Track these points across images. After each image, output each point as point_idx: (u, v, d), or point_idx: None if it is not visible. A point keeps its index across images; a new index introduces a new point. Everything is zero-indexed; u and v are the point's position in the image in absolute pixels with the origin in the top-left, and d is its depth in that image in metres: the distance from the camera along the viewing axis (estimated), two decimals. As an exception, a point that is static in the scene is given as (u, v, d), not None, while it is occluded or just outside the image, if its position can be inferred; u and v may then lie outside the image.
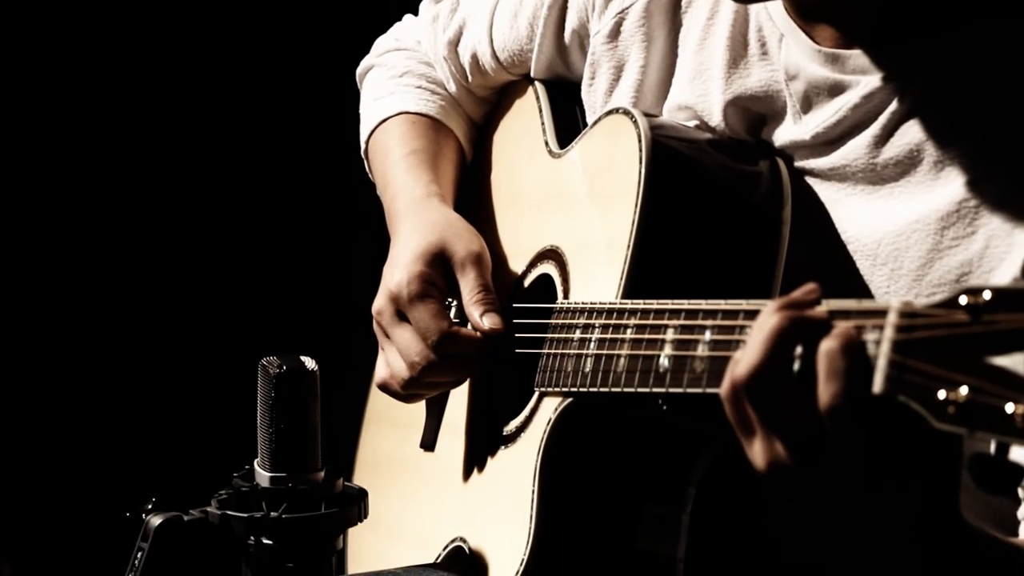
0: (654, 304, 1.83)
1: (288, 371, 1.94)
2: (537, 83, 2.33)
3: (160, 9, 3.66)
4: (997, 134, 1.85)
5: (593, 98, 2.20)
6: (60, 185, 3.67)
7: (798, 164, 1.99)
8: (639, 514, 1.97)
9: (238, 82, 3.72)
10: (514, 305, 2.18)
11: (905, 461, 1.50)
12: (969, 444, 1.44)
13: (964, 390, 1.39)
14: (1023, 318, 1.37)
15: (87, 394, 3.69)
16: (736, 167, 1.99)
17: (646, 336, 1.83)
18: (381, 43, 2.56)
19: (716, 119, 2.05)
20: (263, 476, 1.96)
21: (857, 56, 1.92)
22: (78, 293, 3.69)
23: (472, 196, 2.38)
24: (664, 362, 1.78)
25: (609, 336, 1.90)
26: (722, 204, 1.97)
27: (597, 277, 1.99)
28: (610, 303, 1.92)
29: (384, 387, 2.20)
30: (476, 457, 2.19)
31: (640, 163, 1.95)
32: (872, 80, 1.91)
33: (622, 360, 1.86)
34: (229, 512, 1.94)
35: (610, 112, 2.07)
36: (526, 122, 2.32)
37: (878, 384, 1.46)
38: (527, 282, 2.20)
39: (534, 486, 1.96)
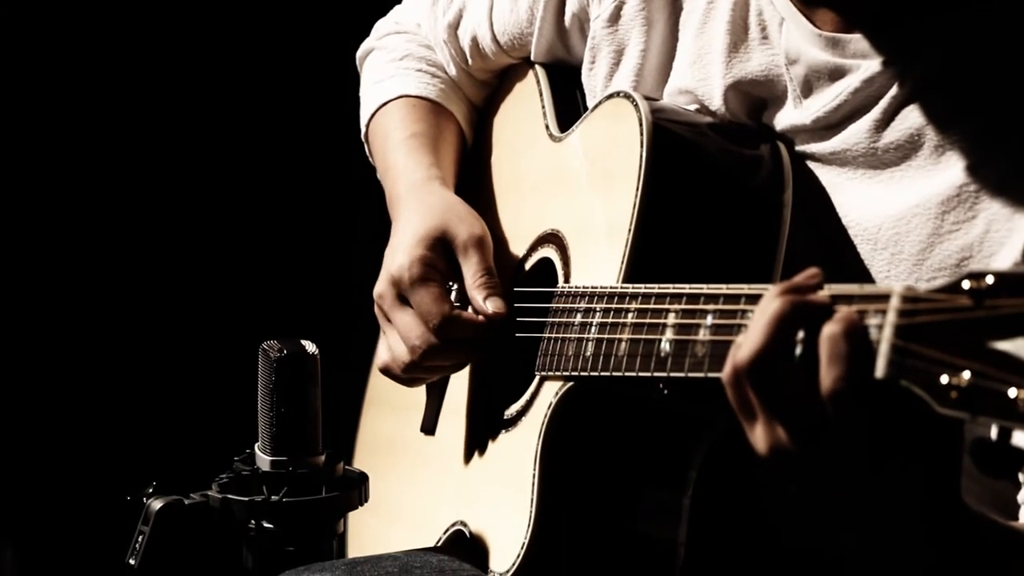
0: (655, 288, 1.83)
1: (288, 355, 1.95)
2: (537, 67, 2.32)
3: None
4: (998, 118, 1.85)
5: (593, 82, 2.20)
6: (62, 170, 3.67)
7: (799, 148, 1.99)
8: (640, 498, 1.97)
9: (239, 66, 3.71)
10: (515, 289, 2.17)
11: (907, 446, 1.50)
12: (970, 428, 1.44)
13: (967, 375, 1.39)
14: (1025, 303, 1.38)
15: (88, 378, 3.69)
16: (737, 151, 1.99)
17: (647, 320, 1.82)
18: (381, 26, 2.55)
19: (716, 103, 2.05)
20: (264, 460, 1.96)
21: (857, 40, 1.91)
22: (80, 279, 3.69)
23: (472, 180, 2.38)
24: (665, 346, 1.78)
25: (610, 320, 1.90)
26: (723, 188, 1.97)
27: (598, 261, 1.99)
28: (611, 287, 1.92)
29: (386, 371, 2.20)
30: (477, 441, 2.19)
31: (641, 147, 1.95)
32: (872, 64, 1.91)
33: (623, 344, 1.86)
34: (230, 496, 1.95)
35: (611, 96, 2.07)
36: (526, 106, 2.31)
37: (880, 369, 1.46)
38: (528, 266, 2.20)
39: (535, 470, 1.96)
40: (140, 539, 1.95)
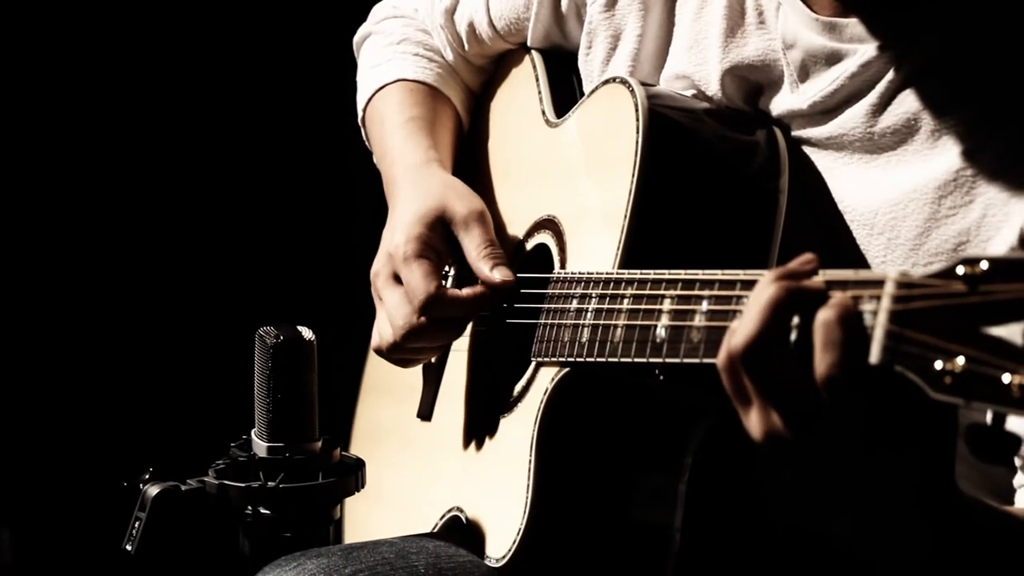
0: (651, 274, 1.83)
1: (285, 341, 1.95)
2: (534, 52, 2.32)
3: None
4: (995, 103, 1.85)
5: (590, 67, 2.19)
6: (54, 158, 3.66)
7: (795, 133, 1.99)
8: (636, 484, 1.97)
9: (235, 51, 3.70)
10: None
11: (901, 431, 1.50)
12: (965, 414, 1.44)
13: (961, 360, 1.39)
14: (1020, 288, 1.37)
15: (86, 364, 3.69)
16: (733, 136, 1.99)
17: (643, 306, 1.82)
18: (378, 10, 2.55)
19: (713, 88, 2.05)
20: (260, 446, 1.96)
21: (855, 25, 1.91)
22: (76, 267, 3.69)
23: (469, 166, 2.37)
24: (661, 332, 1.78)
25: (606, 306, 1.90)
26: (719, 174, 1.97)
27: (594, 247, 1.99)
28: (607, 273, 1.92)
29: (378, 351, 2.20)
30: (473, 427, 2.19)
31: (637, 132, 1.95)
32: (869, 49, 1.90)
33: (619, 330, 1.86)
34: (227, 482, 1.95)
35: (607, 81, 2.07)
36: (523, 91, 2.31)
37: (875, 355, 1.46)
38: (524, 252, 2.19)
39: (531, 456, 1.96)
40: (137, 525, 1.95)
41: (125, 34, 3.65)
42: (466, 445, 2.20)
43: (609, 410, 1.96)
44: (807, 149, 1.98)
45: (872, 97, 1.91)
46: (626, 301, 1.86)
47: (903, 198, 1.89)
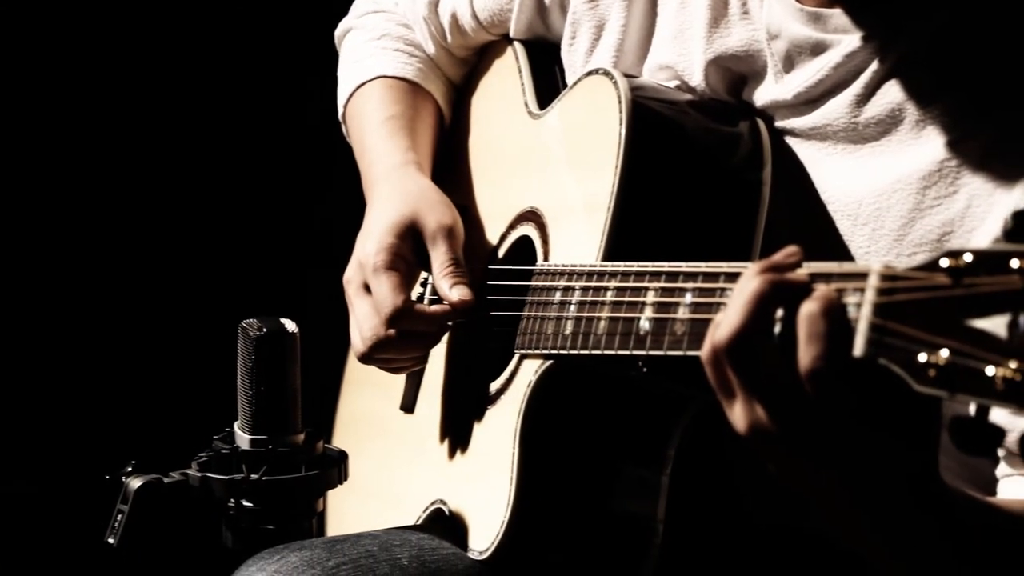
0: (634, 266, 1.83)
1: (268, 334, 1.94)
2: (516, 43, 2.31)
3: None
4: (980, 94, 1.85)
5: (573, 58, 2.19)
6: (37, 153, 3.65)
7: (779, 124, 1.99)
8: (619, 476, 1.97)
9: (216, 47, 3.69)
10: (493, 267, 2.17)
11: (885, 424, 1.50)
12: (949, 406, 1.44)
13: (945, 353, 1.39)
14: (1003, 280, 1.37)
15: (67, 357, 3.68)
16: (716, 128, 1.99)
17: (626, 299, 1.82)
18: (360, 5, 2.54)
19: (697, 79, 2.04)
20: (243, 438, 1.96)
21: (839, 15, 1.91)
22: (59, 260, 3.67)
23: (451, 158, 2.37)
24: (644, 324, 1.78)
25: (589, 298, 1.89)
26: (702, 165, 1.96)
27: (577, 239, 1.99)
28: (590, 265, 1.92)
29: (355, 355, 2.20)
30: (457, 419, 2.18)
31: (620, 124, 1.95)
32: (854, 39, 1.90)
33: (602, 322, 1.86)
34: (209, 475, 1.94)
35: (590, 73, 2.06)
36: (505, 83, 2.31)
37: (859, 347, 1.46)
38: (507, 244, 2.19)
39: (515, 448, 1.96)
40: (119, 517, 1.95)
41: (105, 27, 3.64)
42: (449, 437, 2.19)
43: (593, 402, 1.96)
44: (791, 140, 1.98)
45: (856, 87, 1.91)
46: (609, 293, 1.86)
47: (887, 188, 1.89)
